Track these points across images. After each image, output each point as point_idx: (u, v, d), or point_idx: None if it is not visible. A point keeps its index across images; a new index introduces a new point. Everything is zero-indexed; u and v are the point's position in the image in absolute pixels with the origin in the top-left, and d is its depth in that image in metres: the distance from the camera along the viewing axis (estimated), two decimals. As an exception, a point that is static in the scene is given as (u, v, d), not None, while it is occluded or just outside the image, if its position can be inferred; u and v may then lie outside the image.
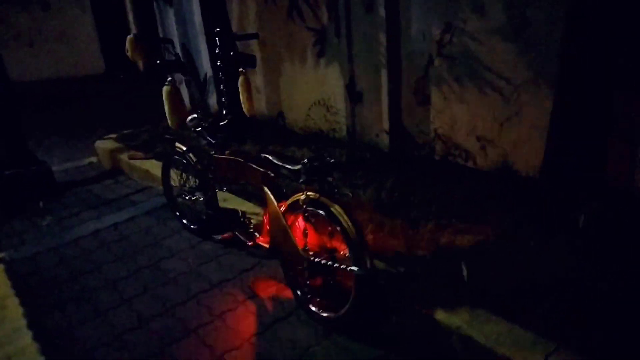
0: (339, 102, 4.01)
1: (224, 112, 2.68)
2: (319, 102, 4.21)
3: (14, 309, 2.38)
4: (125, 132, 5.07)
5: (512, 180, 2.99)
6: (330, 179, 1.98)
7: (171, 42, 2.56)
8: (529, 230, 2.35)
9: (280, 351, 1.96)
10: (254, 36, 2.97)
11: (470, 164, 3.29)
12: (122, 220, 3.33)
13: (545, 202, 2.46)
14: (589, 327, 1.76)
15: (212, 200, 2.75)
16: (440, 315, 1.90)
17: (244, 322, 2.17)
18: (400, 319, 2.01)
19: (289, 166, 2.05)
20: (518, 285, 2.01)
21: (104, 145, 4.67)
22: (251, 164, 2.32)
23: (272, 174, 2.21)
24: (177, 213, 3.11)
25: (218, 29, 2.65)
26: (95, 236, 3.13)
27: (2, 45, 13.20)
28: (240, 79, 2.65)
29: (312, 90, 4.27)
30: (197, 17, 5.08)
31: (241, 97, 2.69)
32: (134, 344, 2.06)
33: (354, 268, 1.85)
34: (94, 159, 4.84)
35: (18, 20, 13.22)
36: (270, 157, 2.20)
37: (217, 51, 2.60)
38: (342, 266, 1.91)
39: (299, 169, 1.97)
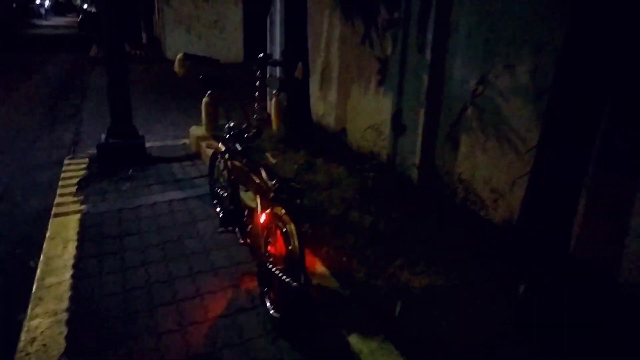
0: (387, 130, 4.27)
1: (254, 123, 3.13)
2: (373, 126, 4.51)
3: (71, 250, 3.15)
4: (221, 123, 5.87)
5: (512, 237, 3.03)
6: (298, 201, 2.35)
7: (215, 60, 3.10)
8: (481, 287, 2.46)
9: (228, 335, 2.39)
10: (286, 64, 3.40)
11: (483, 213, 3.36)
12: (177, 199, 4.03)
13: (509, 261, 2.53)
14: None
15: (232, 197, 3.25)
16: (353, 339, 2.18)
17: (216, 304, 2.64)
18: (323, 333, 2.32)
19: (268, 183, 2.46)
20: (438, 336, 2.19)
21: (194, 131, 5.49)
22: (251, 174, 2.76)
23: (264, 185, 2.62)
24: (215, 202, 3.70)
25: (261, 55, 3.12)
26: (152, 207, 3.86)
27: (165, 28, 15.53)
28: (273, 100, 3.10)
29: (370, 114, 4.58)
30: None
31: (272, 115, 3.14)
32: (134, 300, 2.65)
33: (289, 280, 2.21)
34: (187, 141, 5.73)
35: (182, 7, 15.35)
36: (261, 171, 2.62)
37: (258, 73, 3.09)
38: (283, 277, 2.28)
39: (270, 188, 2.37)
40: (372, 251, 2.93)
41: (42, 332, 2.35)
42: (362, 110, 4.75)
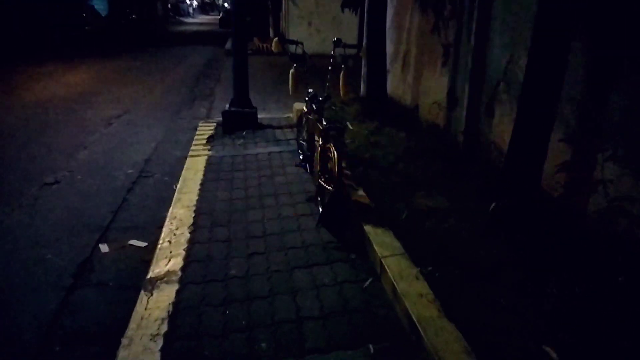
0: (445, 104, 5.11)
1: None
2: (436, 102, 5.36)
3: (199, 176, 4.59)
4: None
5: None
6: (342, 139, 3.43)
7: (300, 42, 4.27)
8: (473, 210, 3.33)
9: (290, 226, 3.55)
10: (355, 46, 4.44)
11: (506, 168, 4.10)
12: (275, 151, 5.34)
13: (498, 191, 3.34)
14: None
15: (308, 143, 4.41)
16: (367, 227, 3.23)
17: (287, 212, 3.81)
18: (349, 224, 3.38)
19: (320, 126, 3.58)
20: (427, 232, 3.13)
21: (297, 105, 6.79)
22: (317, 123, 3.89)
23: (321, 129, 3.72)
24: (299, 151, 4.90)
25: (336, 38, 4.21)
26: (255, 156, 5.21)
27: (289, 24, 17.36)
28: (342, 73, 4.19)
29: (435, 92, 5.44)
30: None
31: (340, 84, 4.22)
32: (236, 203, 3.96)
33: (329, 187, 3.32)
34: (290, 115, 7.07)
35: (305, 4, 17.05)
36: (323, 121, 3.73)
37: (332, 53, 4.20)
38: (327, 186, 3.39)
39: (323, 128, 3.49)
40: (403, 187, 3.90)
41: (179, 215, 3.74)
42: (429, 89, 5.63)
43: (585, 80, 3.12)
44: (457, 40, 4.77)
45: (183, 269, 2.95)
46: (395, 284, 2.51)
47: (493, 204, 3.08)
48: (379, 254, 2.80)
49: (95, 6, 32.23)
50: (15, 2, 21.43)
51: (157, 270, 2.90)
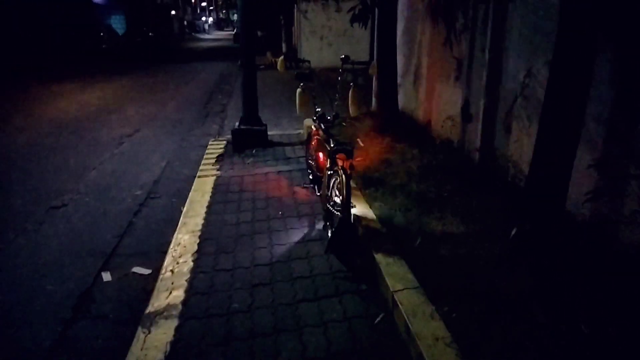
0: (459, 120, 4.92)
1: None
2: (450, 117, 5.18)
3: (206, 197, 4.47)
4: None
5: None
6: (351, 160, 3.28)
7: (306, 61, 4.16)
8: (492, 234, 3.13)
9: (298, 252, 3.40)
10: (363, 63, 4.30)
11: (526, 188, 3.89)
12: (284, 170, 5.20)
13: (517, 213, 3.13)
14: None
15: (316, 163, 4.25)
16: (378, 255, 3.04)
17: (296, 236, 3.66)
18: (359, 251, 3.20)
19: (329, 147, 3.43)
20: (441, 260, 2.94)
21: (307, 122, 6.67)
22: (325, 143, 3.74)
23: (329, 148, 3.56)
24: (309, 171, 4.76)
25: (344, 55, 4.09)
26: (265, 175, 5.08)
27: (301, 38, 17.37)
28: (351, 90, 4.06)
29: (448, 107, 5.25)
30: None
31: (349, 102, 4.10)
32: (243, 226, 3.82)
33: (338, 212, 3.16)
34: (301, 131, 6.94)
35: (316, 19, 17.05)
36: (331, 141, 3.58)
37: (340, 70, 4.07)
38: (335, 211, 3.23)
39: (330, 149, 3.34)
40: (416, 208, 3.71)
41: (184, 241, 3.61)
42: (442, 104, 5.45)
43: (615, 97, 2.93)
44: (470, 54, 4.59)
45: (184, 302, 2.81)
46: (409, 323, 2.32)
47: (514, 230, 2.88)
48: (391, 288, 2.61)
49: (113, 25, 32.90)
50: (33, 22, 21.95)
51: (157, 304, 2.77)
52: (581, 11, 2.62)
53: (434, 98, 5.72)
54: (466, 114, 4.73)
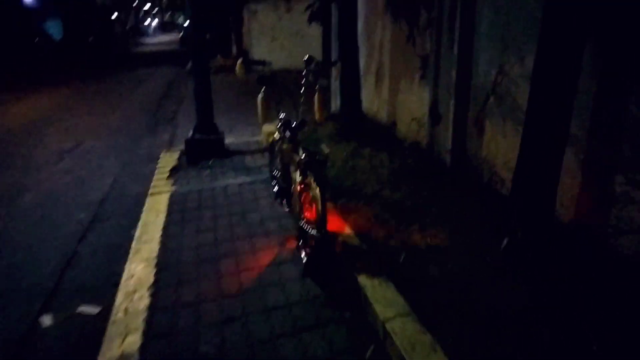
0: (426, 120, 4.72)
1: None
2: (416, 118, 4.97)
3: (161, 218, 4.03)
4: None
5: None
6: (324, 171, 2.96)
7: (266, 63, 3.79)
8: (475, 245, 2.90)
9: (271, 277, 3.05)
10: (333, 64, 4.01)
11: (504, 191, 3.72)
12: (246, 182, 4.82)
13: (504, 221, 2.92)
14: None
15: (283, 175, 3.91)
16: (361, 277, 2.75)
17: (265, 258, 3.32)
18: (339, 274, 2.90)
19: (297, 158, 3.09)
20: (429, 277, 2.68)
21: (266, 128, 6.30)
22: (293, 154, 3.40)
23: (298, 159, 3.22)
24: (272, 182, 4.40)
25: (305, 58, 3.76)
26: (225, 188, 4.68)
27: (252, 40, 16.89)
28: (317, 94, 3.73)
29: (414, 108, 5.05)
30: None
31: (315, 107, 3.76)
32: (204, 252, 3.43)
33: (313, 231, 2.83)
34: (259, 138, 6.56)
35: (266, 19, 16.62)
36: (300, 151, 3.25)
37: (303, 73, 3.73)
38: (310, 230, 2.90)
39: (301, 161, 3.00)
40: (394, 219, 3.45)
41: (137, 272, 3.18)
42: (408, 105, 5.24)
43: (602, 91, 2.77)
44: (437, 50, 4.39)
45: (142, 348, 2.40)
46: (406, 357, 2.04)
47: (505, 240, 2.67)
48: (381, 317, 2.32)
49: (49, 30, 31.03)
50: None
51: (108, 355, 2.35)
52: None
53: (399, 98, 5.50)
54: (435, 114, 4.52)
